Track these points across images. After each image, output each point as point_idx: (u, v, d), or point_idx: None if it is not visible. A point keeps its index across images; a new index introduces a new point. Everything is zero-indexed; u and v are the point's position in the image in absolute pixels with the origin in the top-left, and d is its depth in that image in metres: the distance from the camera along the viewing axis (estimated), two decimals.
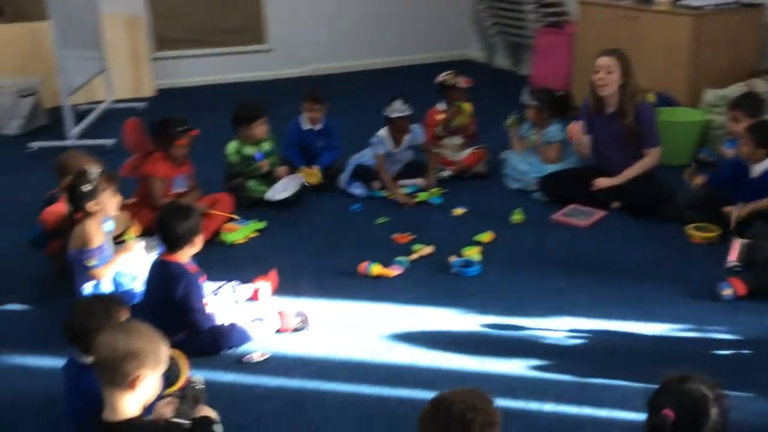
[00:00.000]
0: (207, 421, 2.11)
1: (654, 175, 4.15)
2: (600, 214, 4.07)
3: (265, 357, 2.86)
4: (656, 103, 4.49)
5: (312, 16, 7.55)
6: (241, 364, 2.83)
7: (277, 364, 2.83)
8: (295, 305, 3.15)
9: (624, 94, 4.02)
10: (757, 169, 3.63)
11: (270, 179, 4.39)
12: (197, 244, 2.91)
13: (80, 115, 5.85)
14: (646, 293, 3.26)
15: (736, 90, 4.67)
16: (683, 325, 3.00)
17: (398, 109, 4.45)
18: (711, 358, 2.80)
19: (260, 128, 4.35)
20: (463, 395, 1.63)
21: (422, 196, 4.40)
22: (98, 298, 2.37)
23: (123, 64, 6.76)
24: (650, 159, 4.10)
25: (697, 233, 3.67)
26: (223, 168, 4.42)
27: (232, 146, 4.39)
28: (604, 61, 4.03)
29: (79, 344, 2.24)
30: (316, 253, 3.74)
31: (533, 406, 2.54)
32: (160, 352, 1.89)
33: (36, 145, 5.35)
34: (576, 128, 4.32)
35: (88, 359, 2.20)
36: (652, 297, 3.22)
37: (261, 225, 4.02)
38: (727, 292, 3.15)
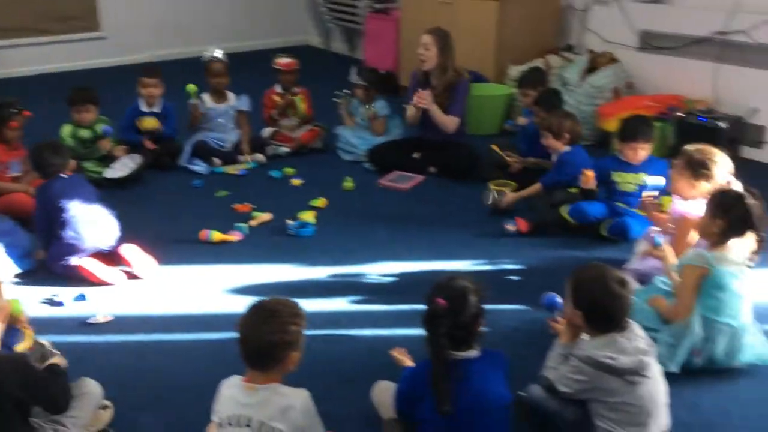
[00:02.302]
0: (57, 367, 2.33)
1: (466, 143, 4.68)
2: (419, 178, 4.56)
3: (109, 319, 3.06)
4: (470, 80, 5.01)
5: (147, 2, 7.51)
6: (85, 326, 3.01)
7: (120, 324, 3.04)
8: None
9: (440, 70, 4.49)
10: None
11: (108, 160, 4.48)
12: (68, 172, 3.52)
13: None
14: (451, 239, 3.79)
15: (532, 66, 5.30)
16: (479, 260, 3.58)
17: (213, 52, 4.68)
18: (499, 282, 3.36)
19: (87, 114, 4.41)
20: (274, 299, 2.06)
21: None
22: None
23: None
24: (449, 121, 4.54)
25: (497, 188, 4.20)
26: None
27: (66, 130, 4.44)
28: (424, 38, 4.51)
29: None
30: (156, 226, 3.90)
31: (354, 332, 2.97)
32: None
33: None
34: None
35: None
36: (457, 241, 3.77)
37: None
38: (510, 227, 3.81)
